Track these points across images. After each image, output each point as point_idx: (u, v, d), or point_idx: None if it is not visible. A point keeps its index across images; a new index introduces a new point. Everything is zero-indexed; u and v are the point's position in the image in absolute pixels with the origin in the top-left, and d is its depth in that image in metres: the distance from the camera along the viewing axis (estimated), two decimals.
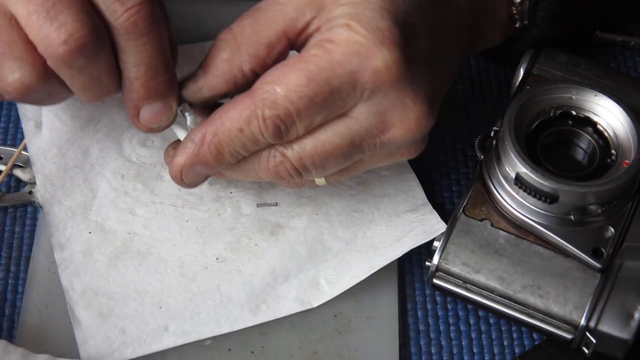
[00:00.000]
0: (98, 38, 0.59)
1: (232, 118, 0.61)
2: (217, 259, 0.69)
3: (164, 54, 0.62)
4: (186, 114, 0.65)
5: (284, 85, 0.60)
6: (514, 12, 0.72)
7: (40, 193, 0.72)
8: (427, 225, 0.70)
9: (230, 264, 0.69)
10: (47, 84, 0.61)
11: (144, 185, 0.72)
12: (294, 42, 0.63)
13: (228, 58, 0.63)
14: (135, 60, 0.61)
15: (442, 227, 0.70)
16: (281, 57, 0.63)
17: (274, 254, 0.69)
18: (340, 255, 0.70)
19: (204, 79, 0.64)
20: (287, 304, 0.68)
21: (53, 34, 0.58)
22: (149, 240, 0.70)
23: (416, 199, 0.72)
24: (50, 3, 0.58)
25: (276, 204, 0.72)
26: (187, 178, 0.65)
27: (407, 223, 0.71)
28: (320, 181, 0.66)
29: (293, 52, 0.63)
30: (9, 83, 0.60)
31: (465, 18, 0.68)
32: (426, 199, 0.73)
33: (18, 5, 0.58)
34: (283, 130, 0.61)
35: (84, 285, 0.68)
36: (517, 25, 0.73)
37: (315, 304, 0.68)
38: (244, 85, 0.63)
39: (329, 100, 0.60)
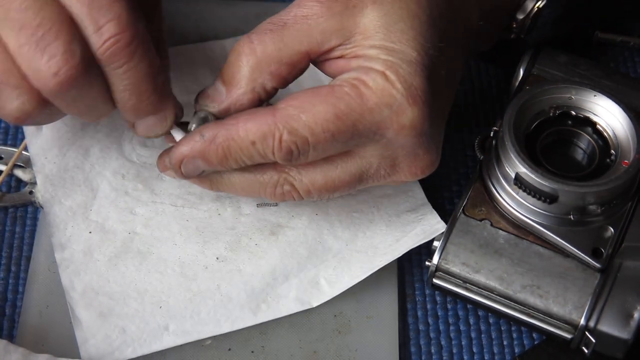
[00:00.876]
0: (89, 67, 0.59)
1: (249, 129, 0.61)
2: (217, 258, 0.69)
3: (149, 76, 0.61)
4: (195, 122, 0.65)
5: (310, 115, 0.60)
6: (514, 25, 0.72)
7: (41, 193, 0.72)
8: (427, 225, 0.70)
9: (231, 264, 0.69)
10: (46, 109, 0.61)
11: (144, 185, 0.72)
12: (314, 60, 0.64)
13: (250, 76, 0.63)
14: (120, 87, 0.61)
15: (441, 227, 0.70)
16: (301, 73, 0.64)
17: (274, 253, 0.69)
18: (340, 255, 0.70)
19: (228, 97, 0.64)
20: (287, 304, 0.68)
21: (43, 67, 0.58)
22: (149, 240, 0.70)
23: (416, 199, 0.73)
24: (39, 34, 0.57)
25: (276, 204, 0.72)
26: (185, 168, 0.65)
27: (407, 223, 0.71)
28: None
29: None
30: (9, 112, 0.60)
31: (471, 29, 0.69)
32: (426, 199, 0.73)
33: (9, 36, 0.58)
34: (294, 155, 0.62)
35: (85, 285, 0.68)
36: (512, 37, 0.73)
37: (315, 304, 0.68)
38: (266, 100, 0.64)
39: (349, 140, 0.61)
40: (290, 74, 0.63)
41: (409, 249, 0.70)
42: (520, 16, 0.72)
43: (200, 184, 0.67)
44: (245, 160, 0.63)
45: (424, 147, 0.63)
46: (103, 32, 0.58)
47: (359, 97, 0.61)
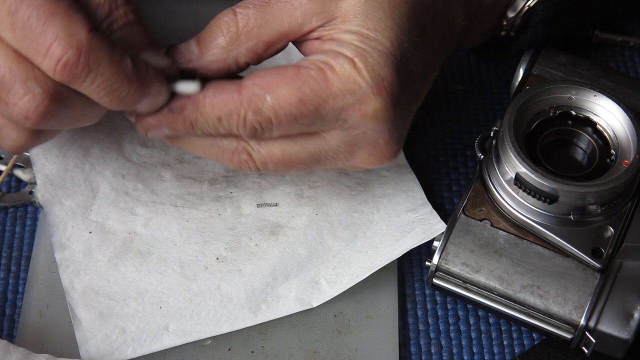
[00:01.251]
0: (55, 94, 0.58)
1: (215, 105, 0.62)
2: (217, 258, 0.69)
3: (118, 73, 0.59)
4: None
5: (274, 97, 0.61)
6: (504, 23, 0.72)
7: (41, 193, 0.72)
8: (427, 225, 0.70)
9: (231, 264, 0.69)
10: (40, 136, 0.62)
11: (144, 185, 0.73)
12: (293, 40, 0.64)
13: (226, 46, 0.63)
14: (96, 97, 0.60)
15: (442, 227, 0.70)
16: (277, 52, 0.64)
17: (274, 253, 0.69)
18: (340, 255, 0.70)
19: (198, 60, 0.64)
20: (287, 304, 0.68)
21: (14, 114, 0.59)
22: (149, 240, 0.70)
23: (416, 199, 0.73)
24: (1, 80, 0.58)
25: (276, 204, 0.72)
26: (151, 134, 0.65)
27: (407, 223, 0.71)
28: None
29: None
30: (7, 147, 0.62)
31: (454, 30, 0.69)
32: (426, 199, 0.73)
33: None
34: (258, 133, 0.62)
35: (85, 285, 0.68)
36: (502, 34, 0.73)
37: (315, 304, 0.68)
38: (235, 73, 0.64)
39: (311, 123, 0.62)
40: (266, 52, 0.63)
41: (409, 249, 0.70)
42: (511, 14, 0.72)
43: (163, 138, 0.66)
44: (211, 132, 0.63)
45: (385, 137, 0.63)
46: (49, 59, 0.57)
47: (324, 82, 0.61)
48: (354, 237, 0.70)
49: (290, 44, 0.65)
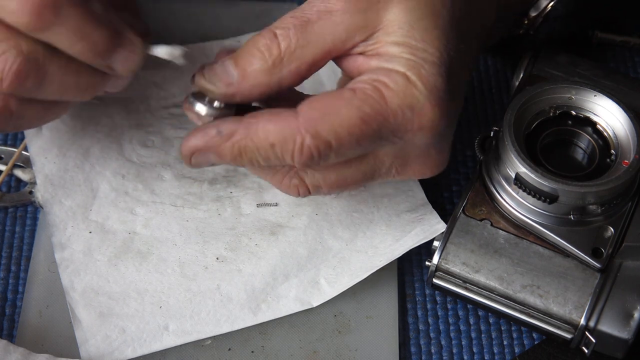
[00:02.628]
0: (28, 55, 0.58)
1: (269, 131, 0.59)
2: (217, 258, 0.69)
3: (90, 17, 0.58)
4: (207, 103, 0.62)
5: (336, 118, 0.59)
6: (525, 22, 0.72)
7: (41, 193, 0.72)
8: (427, 225, 0.70)
9: (231, 264, 0.69)
10: (26, 107, 0.61)
11: (144, 185, 0.72)
12: (335, 57, 0.62)
13: (268, 70, 0.60)
14: (68, 45, 0.58)
15: (442, 227, 0.70)
16: (317, 70, 0.62)
17: (274, 253, 0.69)
18: (340, 255, 0.70)
19: (238, 86, 0.61)
20: (287, 304, 0.68)
21: None
22: (149, 240, 0.70)
23: (416, 199, 0.73)
24: None
25: (276, 204, 0.72)
26: (196, 160, 0.62)
27: (407, 223, 0.71)
28: None
29: None
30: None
31: (487, 35, 0.68)
32: (426, 199, 0.73)
33: None
34: (315, 160, 0.60)
35: (85, 285, 0.68)
36: (520, 32, 0.73)
37: (315, 304, 0.68)
38: (276, 96, 0.62)
39: (371, 143, 0.60)
40: (309, 72, 0.61)
41: (409, 249, 0.70)
42: (533, 13, 0.71)
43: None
44: (260, 161, 0.61)
45: (438, 147, 0.63)
46: (14, 3, 0.55)
47: (382, 99, 0.59)
48: (354, 236, 0.70)
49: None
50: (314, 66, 0.61)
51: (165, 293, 0.68)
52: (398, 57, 0.60)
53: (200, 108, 0.61)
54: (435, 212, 0.71)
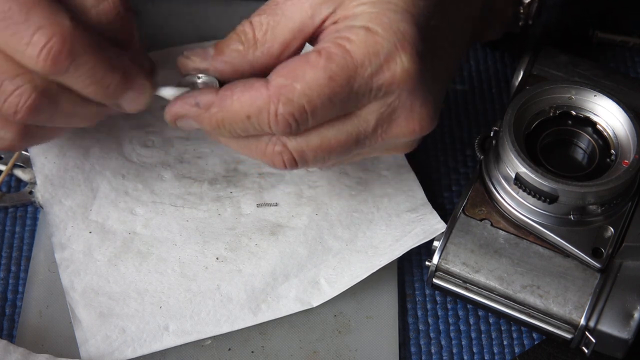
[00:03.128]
0: (43, 89, 0.59)
1: (243, 102, 0.60)
2: (217, 258, 0.69)
3: (102, 63, 0.59)
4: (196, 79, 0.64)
5: (303, 82, 0.59)
6: (521, 11, 0.72)
7: (41, 193, 0.72)
8: (427, 225, 0.70)
9: (231, 264, 0.69)
10: (29, 136, 0.62)
11: (144, 185, 0.73)
12: (310, 38, 0.63)
13: (241, 50, 0.62)
14: (80, 87, 0.60)
15: (441, 226, 0.70)
16: (295, 54, 0.63)
17: (274, 253, 0.69)
18: (340, 255, 0.70)
19: (212, 60, 0.63)
20: (287, 304, 0.68)
21: (3, 109, 0.59)
22: (149, 240, 0.70)
23: (416, 199, 0.73)
24: None
25: (276, 204, 0.72)
26: (180, 124, 0.64)
27: (407, 223, 0.71)
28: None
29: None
30: None
31: (474, 16, 0.68)
32: (426, 199, 0.73)
33: None
34: (293, 127, 0.60)
35: (85, 285, 0.68)
36: (520, 24, 0.73)
37: (315, 304, 0.68)
38: (250, 76, 0.63)
39: (346, 100, 0.60)
40: (282, 54, 0.62)
41: (409, 249, 0.70)
42: (527, 0, 0.71)
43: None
44: (240, 132, 0.62)
45: (420, 98, 0.61)
46: (33, 47, 0.57)
47: (346, 54, 0.59)
48: (354, 236, 0.70)
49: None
50: (287, 47, 0.62)
51: (165, 293, 0.68)
52: (361, 14, 0.60)
53: (166, 90, 0.64)
54: (435, 212, 0.71)
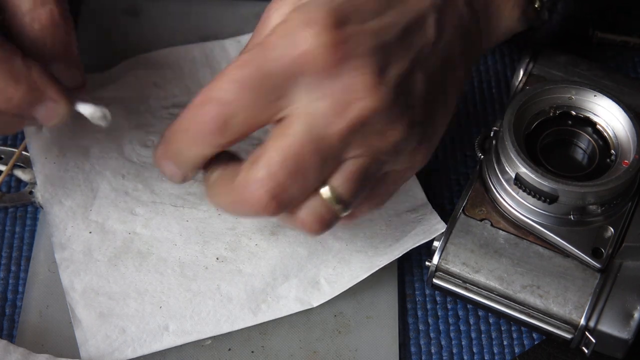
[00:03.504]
0: None
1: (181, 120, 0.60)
2: (217, 258, 0.69)
3: (5, 71, 0.59)
4: None
5: (221, 77, 0.58)
6: (536, 4, 0.69)
7: (41, 193, 0.72)
8: (427, 225, 0.70)
9: (231, 264, 0.69)
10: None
11: (144, 185, 0.73)
12: None
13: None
14: None
15: (441, 227, 0.70)
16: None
17: (274, 253, 0.69)
18: (340, 255, 0.70)
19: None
20: (287, 304, 0.68)
21: None
22: (150, 240, 0.70)
23: (416, 199, 0.73)
24: None
25: None
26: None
27: (407, 223, 0.71)
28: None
29: None
30: None
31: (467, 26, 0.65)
32: (426, 199, 0.73)
33: None
34: (219, 130, 0.58)
35: (85, 285, 0.68)
36: (544, 16, 0.70)
37: (315, 304, 0.68)
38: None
39: (266, 90, 0.57)
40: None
41: (409, 249, 0.70)
42: None
43: None
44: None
45: (353, 68, 0.57)
46: None
47: (257, 45, 0.57)
48: (354, 236, 0.70)
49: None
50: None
51: (165, 293, 0.68)
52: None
53: (84, 107, 0.64)
54: (435, 212, 0.71)
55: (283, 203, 0.59)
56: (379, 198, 0.65)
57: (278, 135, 0.58)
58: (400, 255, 0.70)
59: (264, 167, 0.58)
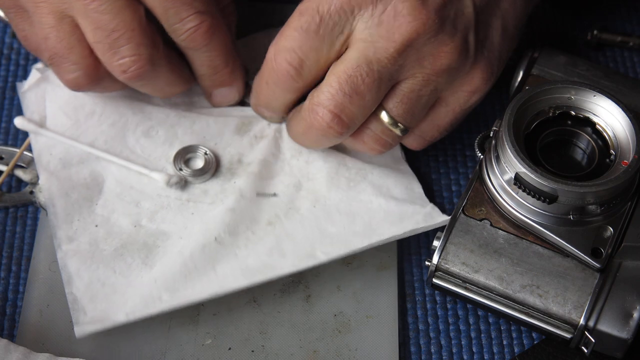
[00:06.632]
0: (153, 65, 0.68)
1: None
2: (215, 239, 0.69)
3: (223, 53, 0.70)
4: None
5: (283, 31, 0.67)
6: None
7: (46, 187, 0.71)
8: (428, 214, 0.70)
9: (228, 248, 0.69)
10: (99, 84, 0.70)
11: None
12: None
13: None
14: (198, 64, 0.71)
15: (440, 215, 0.69)
16: None
17: (271, 240, 0.69)
18: (337, 237, 0.69)
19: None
20: (282, 270, 0.68)
21: (114, 65, 0.67)
22: (155, 233, 0.70)
23: (414, 193, 0.72)
24: (113, 37, 0.66)
25: (275, 194, 0.72)
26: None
27: (406, 209, 0.71)
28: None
29: None
30: (65, 82, 0.70)
31: None
32: (424, 195, 0.72)
33: (86, 27, 0.67)
34: (294, 75, 0.67)
35: (90, 277, 0.68)
36: None
37: (306, 266, 0.68)
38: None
39: (326, 27, 0.65)
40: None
41: (408, 231, 0.69)
42: None
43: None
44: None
45: (396, 4, 0.64)
46: (186, 23, 0.67)
47: None
48: (351, 221, 0.70)
49: None
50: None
51: (163, 271, 0.68)
52: None
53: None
54: (435, 206, 0.71)
55: (345, 122, 0.66)
56: (444, 123, 0.70)
57: (337, 64, 0.66)
58: (400, 235, 0.69)
59: (325, 91, 0.66)
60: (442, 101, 0.69)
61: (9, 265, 0.72)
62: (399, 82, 0.66)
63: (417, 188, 0.73)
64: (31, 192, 0.73)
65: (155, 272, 0.68)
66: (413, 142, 0.72)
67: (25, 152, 0.75)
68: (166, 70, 0.70)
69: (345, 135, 0.68)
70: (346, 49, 0.66)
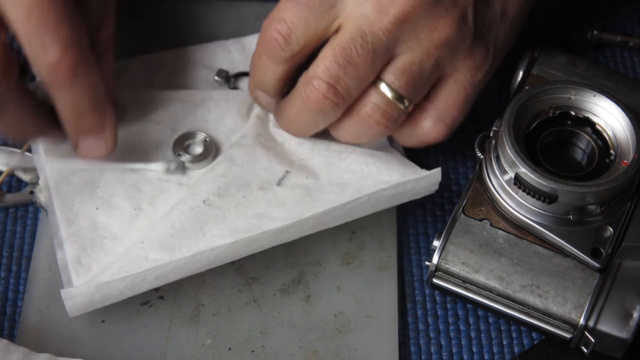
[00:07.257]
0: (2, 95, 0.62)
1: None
2: (204, 201, 0.69)
3: (91, 96, 0.64)
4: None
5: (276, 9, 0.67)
6: None
7: (49, 171, 0.71)
8: (420, 172, 0.70)
9: (217, 209, 0.68)
10: None
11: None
12: None
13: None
14: (61, 105, 0.65)
15: (437, 174, 0.70)
16: None
17: (261, 205, 0.69)
18: (329, 202, 0.69)
19: None
20: (272, 224, 0.68)
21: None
22: (155, 217, 0.70)
23: (406, 164, 0.72)
24: None
25: (267, 168, 0.72)
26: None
27: (399, 171, 0.71)
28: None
29: None
30: None
31: None
32: (417, 166, 0.72)
33: None
34: (282, 44, 0.67)
35: (90, 260, 0.68)
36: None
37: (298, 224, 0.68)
38: None
39: (316, 1, 0.65)
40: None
41: (405, 180, 0.69)
42: None
43: None
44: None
45: None
46: (48, 55, 0.61)
47: None
48: (343, 189, 0.70)
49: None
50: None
51: (150, 233, 0.68)
52: None
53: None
54: (426, 170, 0.71)
55: (340, 92, 0.67)
56: (459, 99, 0.70)
57: (331, 40, 0.66)
58: (396, 182, 0.69)
59: (320, 64, 0.66)
60: (448, 77, 0.69)
61: (9, 265, 0.72)
62: (398, 55, 0.67)
63: (411, 165, 0.72)
64: (31, 192, 0.73)
65: (142, 235, 0.68)
66: (435, 128, 0.70)
67: (27, 153, 0.75)
68: (17, 107, 0.64)
69: (341, 108, 0.68)
70: (339, 25, 0.66)
